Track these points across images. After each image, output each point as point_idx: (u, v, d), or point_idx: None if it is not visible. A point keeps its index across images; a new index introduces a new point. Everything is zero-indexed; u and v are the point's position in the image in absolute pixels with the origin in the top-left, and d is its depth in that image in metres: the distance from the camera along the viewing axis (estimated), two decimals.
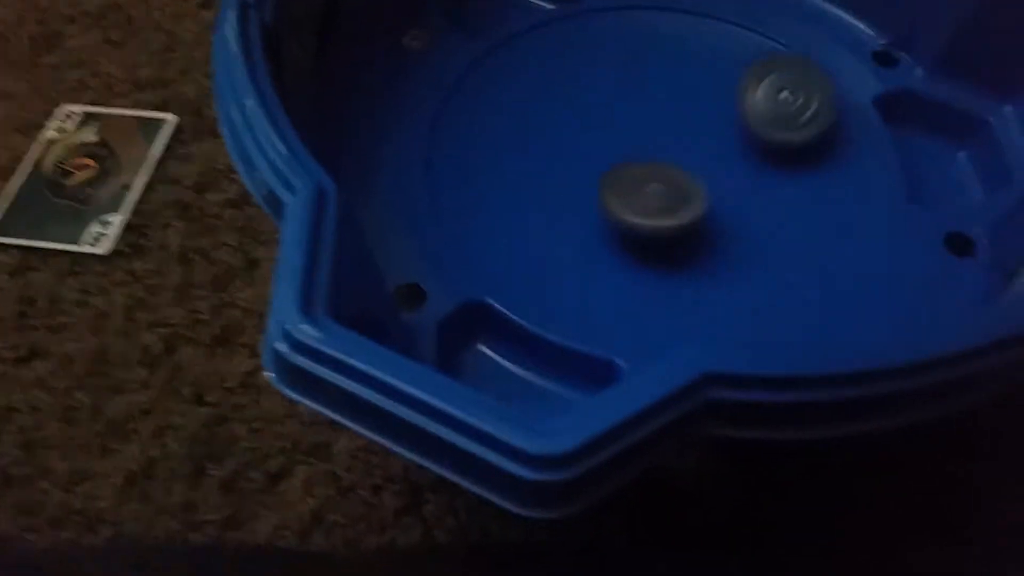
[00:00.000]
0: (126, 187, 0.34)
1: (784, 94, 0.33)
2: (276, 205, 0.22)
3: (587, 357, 0.27)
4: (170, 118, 0.36)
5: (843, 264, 0.31)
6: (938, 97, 0.36)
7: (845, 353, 0.20)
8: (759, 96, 0.33)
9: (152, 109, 0.36)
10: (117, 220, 0.33)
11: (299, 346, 0.19)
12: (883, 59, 0.37)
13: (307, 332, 0.19)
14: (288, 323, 0.19)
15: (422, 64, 0.36)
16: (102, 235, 0.33)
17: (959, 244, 0.32)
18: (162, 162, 0.35)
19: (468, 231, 0.31)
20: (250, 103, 0.23)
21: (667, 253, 0.31)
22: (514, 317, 0.28)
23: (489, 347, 0.29)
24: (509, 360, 0.28)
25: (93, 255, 0.33)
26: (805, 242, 0.31)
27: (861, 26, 0.38)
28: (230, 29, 0.25)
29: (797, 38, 0.37)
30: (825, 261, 0.31)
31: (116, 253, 0.33)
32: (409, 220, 0.31)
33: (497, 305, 0.28)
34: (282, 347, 0.19)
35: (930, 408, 0.20)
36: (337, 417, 0.19)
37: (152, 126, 0.36)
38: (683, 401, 0.18)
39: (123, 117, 0.36)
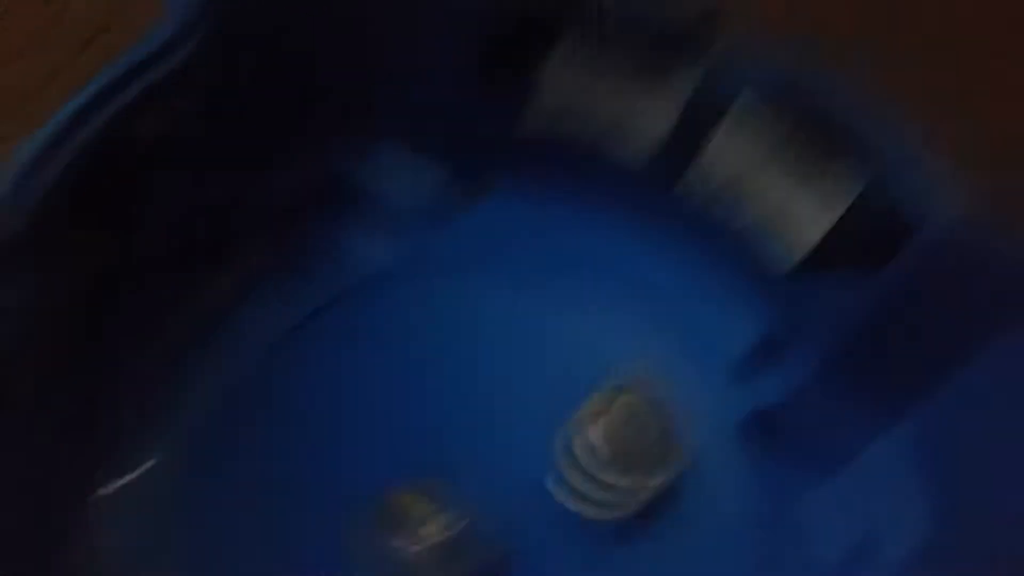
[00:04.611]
0: None
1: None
2: None
3: None
4: None
5: None
6: (809, 420, 0.31)
7: None
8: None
9: None
10: None
11: None
12: (750, 363, 0.33)
13: None
14: None
15: (228, 326, 0.29)
16: None
17: None
18: None
19: None
20: None
21: None
22: None
23: None
24: None
25: None
26: None
27: (736, 316, 0.34)
28: None
29: (660, 323, 0.32)
30: None
31: None
32: None
33: None
34: None
35: None
36: None
37: None
38: None
39: None
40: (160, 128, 0.25)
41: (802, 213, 0.31)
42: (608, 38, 0.29)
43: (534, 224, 0.34)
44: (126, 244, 0.25)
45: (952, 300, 0.28)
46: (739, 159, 0.32)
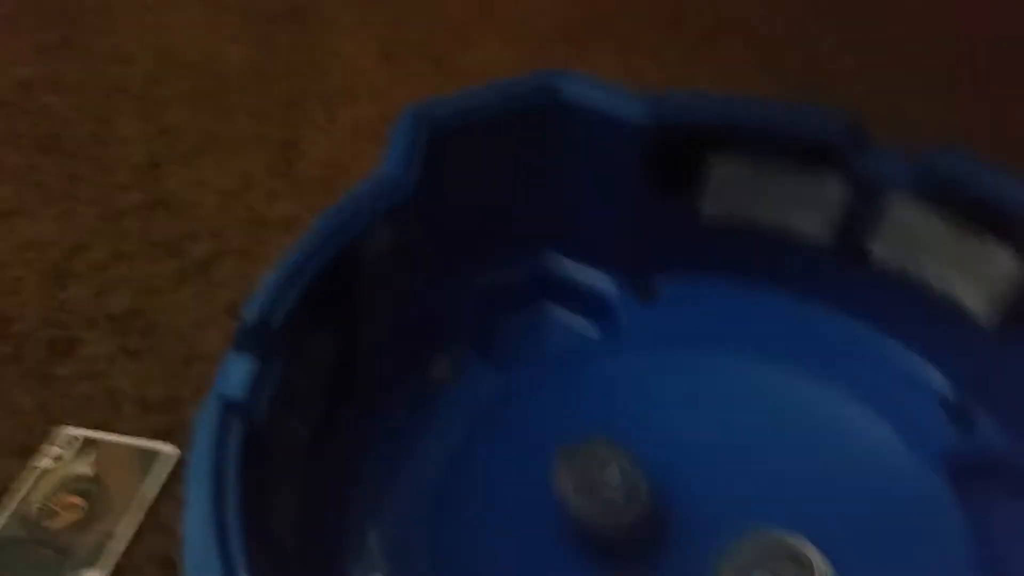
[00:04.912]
0: (110, 535, 0.31)
1: None
2: None
3: None
4: (171, 450, 0.34)
5: None
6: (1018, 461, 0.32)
7: None
8: None
9: (155, 437, 0.34)
10: None
11: None
12: (955, 411, 0.33)
13: None
14: None
15: (446, 397, 0.34)
16: None
17: None
18: (155, 504, 0.33)
19: None
20: None
21: None
22: None
23: None
24: None
25: None
26: None
27: (934, 371, 0.35)
28: (205, 447, 0.22)
29: (861, 382, 0.34)
30: None
31: None
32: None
33: None
34: None
35: None
36: None
37: (152, 458, 0.34)
38: None
39: (122, 446, 0.34)
40: (381, 248, 0.31)
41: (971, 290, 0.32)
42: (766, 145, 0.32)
43: (730, 302, 0.37)
44: (353, 337, 0.31)
45: None
46: (912, 240, 0.33)
